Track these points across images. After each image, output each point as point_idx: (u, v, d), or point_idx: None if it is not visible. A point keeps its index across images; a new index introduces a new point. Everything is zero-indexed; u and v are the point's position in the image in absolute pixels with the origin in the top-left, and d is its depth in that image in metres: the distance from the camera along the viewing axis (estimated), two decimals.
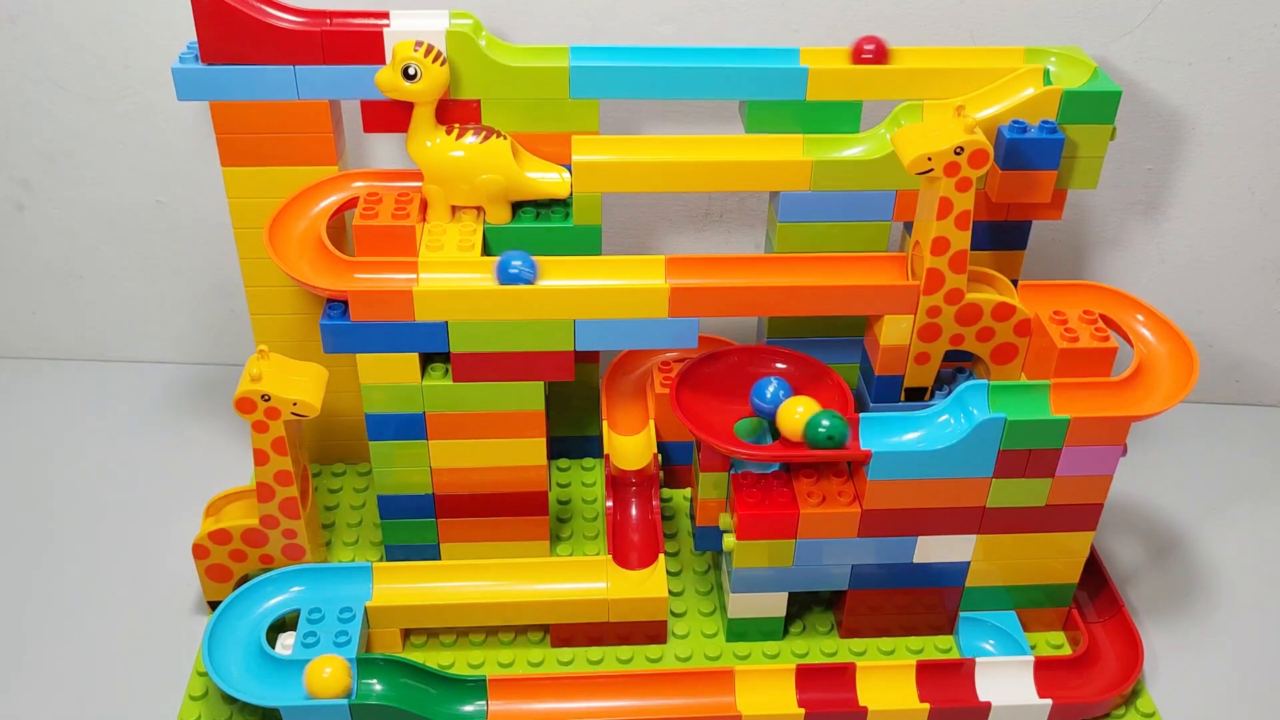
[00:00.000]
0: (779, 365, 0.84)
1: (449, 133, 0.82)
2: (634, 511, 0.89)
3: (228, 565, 0.85)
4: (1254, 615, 0.89)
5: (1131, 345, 0.81)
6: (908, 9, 0.92)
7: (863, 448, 0.76)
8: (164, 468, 1.00)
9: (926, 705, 0.78)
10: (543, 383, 0.81)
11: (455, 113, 0.84)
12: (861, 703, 0.78)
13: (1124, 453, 0.77)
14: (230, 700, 0.78)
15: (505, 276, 0.77)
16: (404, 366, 0.80)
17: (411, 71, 0.79)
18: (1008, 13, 0.92)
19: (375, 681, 0.77)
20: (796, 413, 0.76)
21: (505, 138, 0.83)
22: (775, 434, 0.82)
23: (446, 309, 0.77)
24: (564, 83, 0.83)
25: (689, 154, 0.84)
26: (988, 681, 0.79)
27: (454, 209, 0.84)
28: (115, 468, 1.00)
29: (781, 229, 0.86)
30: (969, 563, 0.81)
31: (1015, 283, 0.83)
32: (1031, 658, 0.80)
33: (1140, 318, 0.83)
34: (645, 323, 0.79)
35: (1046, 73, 0.85)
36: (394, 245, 0.79)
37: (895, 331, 0.81)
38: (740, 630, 0.84)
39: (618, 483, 0.90)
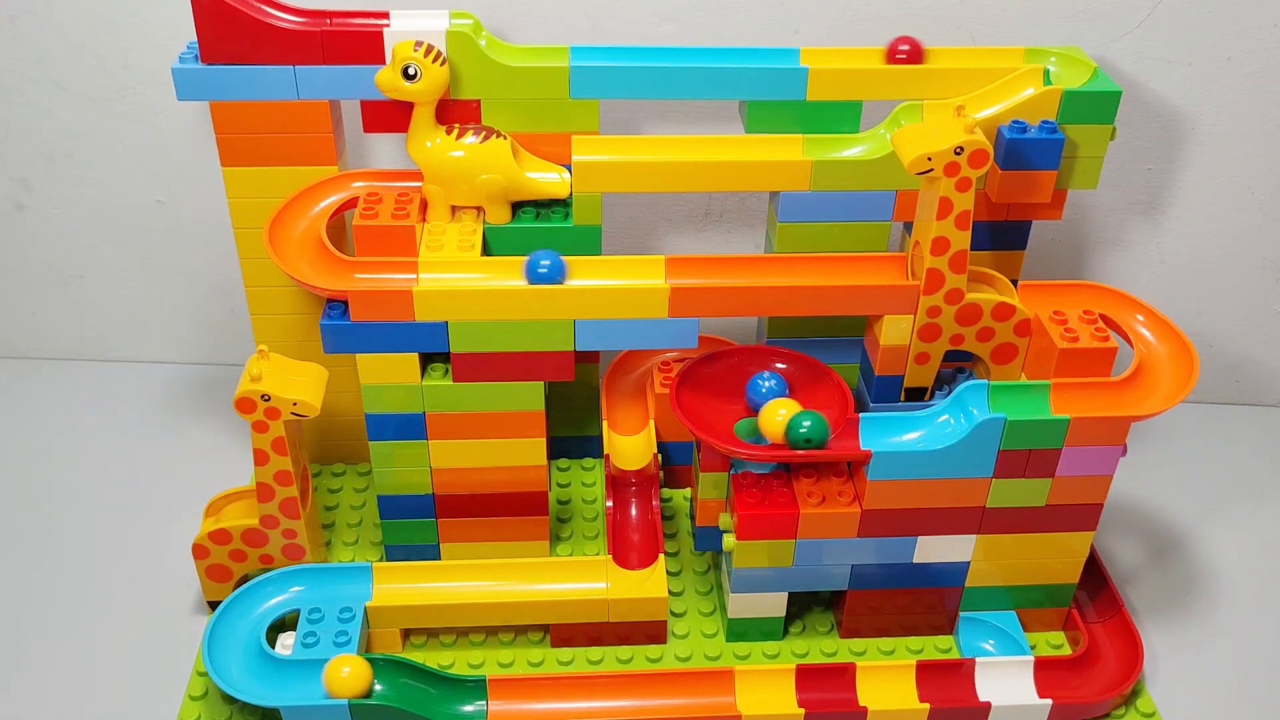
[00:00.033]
0: (779, 365, 0.84)
1: (449, 133, 0.82)
2: (634, 511, 0.89)
3: (228, 565, 0.85)
4: (1254, 615, 0.89)
5: (1131, 345, 0.81)
6: (908, 9, 0.92)
7: (863, 448, 0.76)
8: (164, 468, 1.00)
9: (926, 705, 0.78)
10: (543, 383, 0.81)
11: (455, 113, 0.84)
12: (861, 703, 0.78)
13: (1124, 453, 0.77)
14: (230, 700, 0.78)
15: (534, 276, 0.77)
16: (404, 366, 0.80)
17: (411, 71, 0.79)
18: (1008, 13, 0.92)
19: (375, 681, 0.77)
20: (778, 415, 0.76)
21: (505, 138, 0.83)
22: None
23: (446, 309, 0.77)
24: (564, 83, 0.83)
25: (689, 154, 0.84)
26: (988, 681, 0.79)
27: (454, 209, 0.84)
28: (115, 468, 1.00)
29: (781, 229, 0.86)
30: (969, 563, 0.81)
31: (1015, 283, 0.83)
32: (1031, 658, 0.80)
33: (1140, 318, 0.83)
34: (645, 323, 0.79)
35: (1046, 73, 0.85)
36: (394, 245, 0.79)
37: (895, 331, 0.81)
38: (740, 630, 0.84)
39: (618, 483, 0.90)
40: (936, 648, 0.85)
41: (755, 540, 0.79)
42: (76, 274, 1.07)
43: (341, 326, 0.78)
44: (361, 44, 0.81)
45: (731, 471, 0.81)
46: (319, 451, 0.99)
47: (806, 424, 0.75)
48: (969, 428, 0.75)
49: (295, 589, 0.82)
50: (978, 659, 0.80)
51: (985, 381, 0.76)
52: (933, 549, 0.80)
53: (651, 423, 0.94)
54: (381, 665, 0.77)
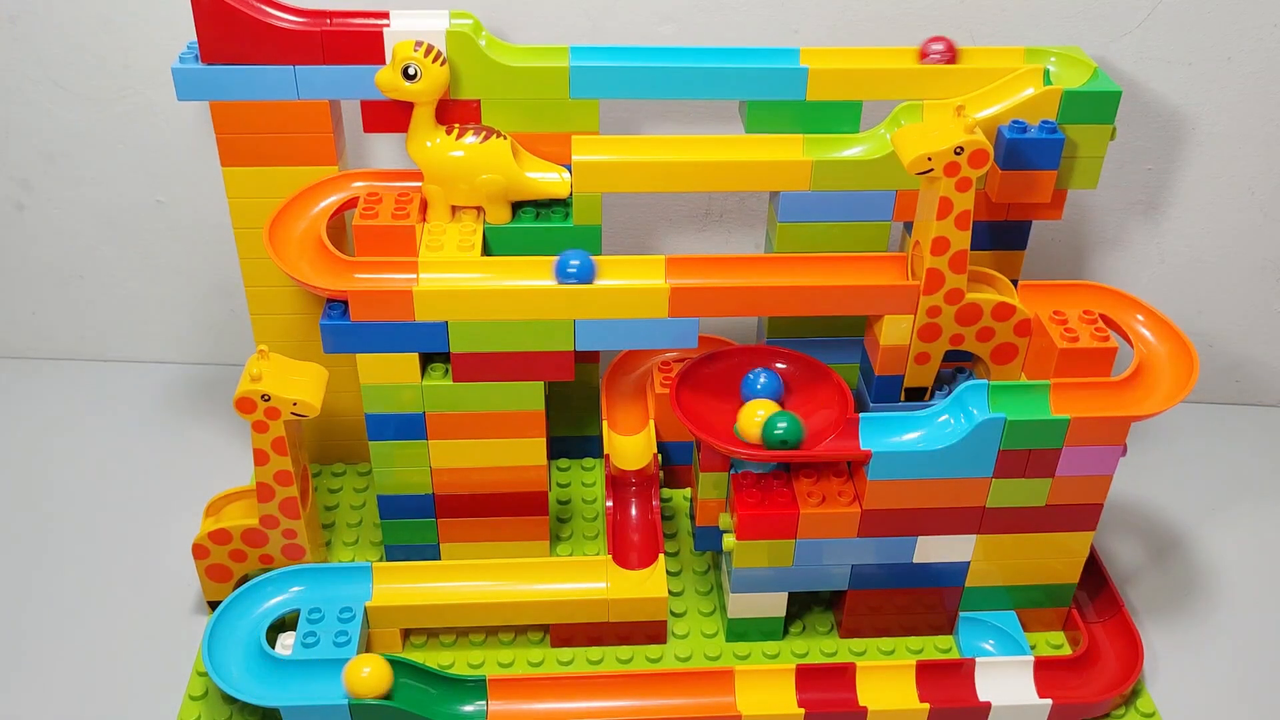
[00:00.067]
0: (779, 365, 0.84)
1: (449, 133, 0.82)
2: (634, 511, 0.89)
3: (228, 565, 0.85)
4: (1254, 615, 0.89)
5: (1131, 345, 0.81)
6: (908, 9, 0.92)
7: (863, 448, 0.76)
8: (164, 468, 1.00)
9: (926, 705, 0.78)
10: (543, 383, 0.81)
11: (455, 113, 0.84)
12: (861, 703, 0.78)
13: (1124, 453, 0.77)
14: (230, 700, 0.78)
15: (564, 276, 0.77)
16: (404, 366, 0.80)
17: (411, 71, 0.79)
18: (1008, 13, 0.92)
19: None
20: (756, 416, 0.76)
21: (505, 138, 0.83)
22: None
23: (446, 309, 0.77)
24: (564, 83, 0.83)
25: (689, 154, 0.84)
26: (988, 681, 0.79)
27: (454, 209, 0.84)
28: (115, 468, 1.00)
29: (781, 229, 0.86)
30: (969, 563, 0.81)
31: (1015, 283, 0.83)
32: (1031, 658, 0.80)
33: (1140, 318, 0.83)
34: (645, 323, 0.79)
35: (1046, 73, 0.85)
36: (394, 245, 0.79)
37: (895, 331, 0.81)
38: (740, 630, 0.84)
39: (618, 483, 0.90)
40: (936, 648, 0.85)
41: (755, 540, 0.79)
42: (76, 274, 1.07)
43: (341, 326, 0.78)
44: (361, 44, 0.81)
45: (731, 471, 0.81)
46: (319, 451, 0.99)
47: (782, 425, 0.75)
48: (969, 428, 0.75)
49: (295, 589, 0.82)
50: (978, 659, 0.80)
51: (985, 381, 0.76)
52: (933, 549, 0.80)
53: (651, 423, 0.94)
54: None
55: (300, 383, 0.79)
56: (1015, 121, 0.83)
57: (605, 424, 0.95)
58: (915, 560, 0.81)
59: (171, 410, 1.07)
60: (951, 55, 0.86)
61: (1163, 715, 0.81)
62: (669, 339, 0.80)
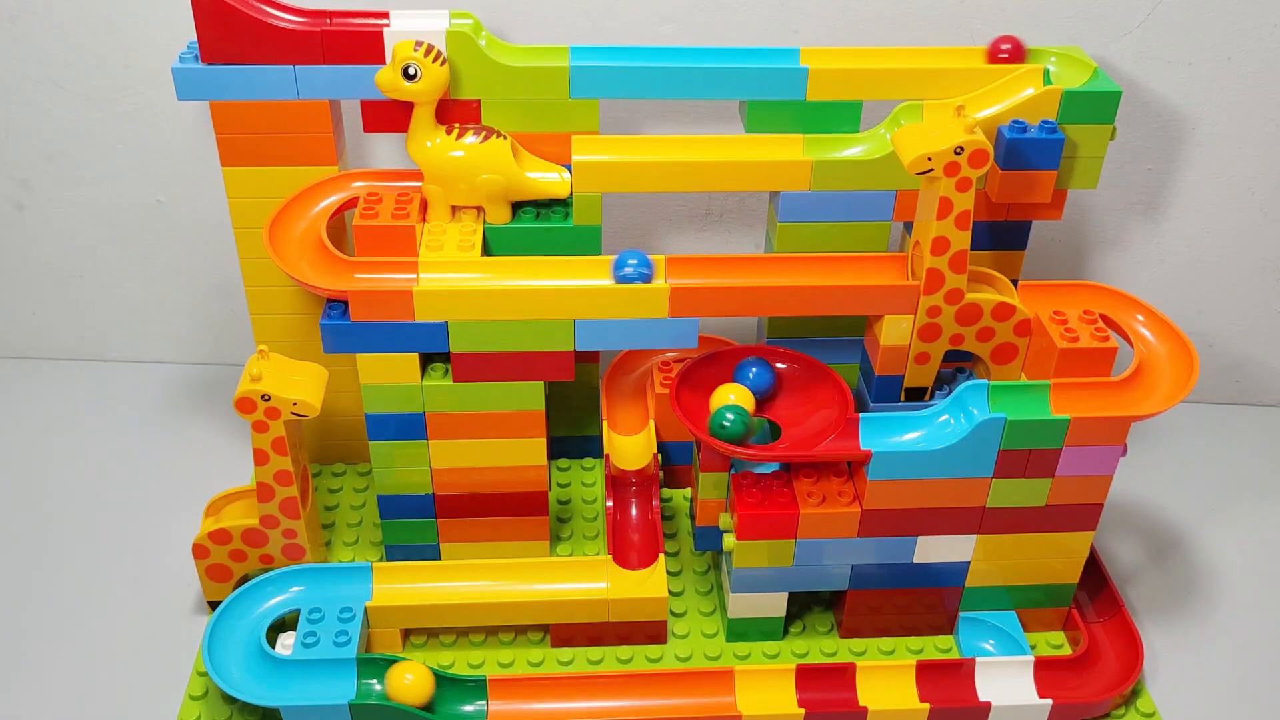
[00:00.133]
0: (779, 365, 0.84)
1: (449, 133, 0.82)
2: (634, 511, 0.89)
3: (228, 565, 0.85)
4: (1254, 615, 0.89)
5: (1131, 345, 0.80)
6: (908, 9, 0.92)
7: (863, 448, 0.76)
8: (164, 468, 1.00)
9: (926, 705, 0.78)
10: (543, 383, 0.81)
11: (455, 113, 0.84)
12: (861, 703, 0.78)
13: (1124, 453, 0.77)
14: (230, 700, 0.78)
15: (620, 277, 0.77)
16: (404, 366, 0.80)
17: (411, 71, 0.79)
18: (1008, 13, 0.92)
19: (375, 681, 0.77)
20: (731, 398, 0.77)
21: (505, 138, 0.83)
22: (776, 433, 0.82)
23: (446, 309, 0.77)
24: (564, 83, 0.83)
25: (689, 154, 0.84)
26: (988, 681, 0.79)
27: (454, 209, 0.84)
28: (115, 468, 1.00)
29: (781, 229, 0.86)
30: (969, 563, 0.81)
31: (1015, 283, 0.83)
32: (1031, 658, 0.80)
33: (1140, 318, 0.83)
34: (645, 323, 0.79)
35: (1046, 73, 0.85)
36: (394, 245, 0.79)
37: (895, 331, 0.81)
38: (740, 630, 0.84)
39: (618, 483, 0.90)
40: (936, 648, 0.85)
41: (755, 540, 0.79)
42: (76, 274, 1.07)
43: (341, 326, 0.78)
44: (361, 44, 0.81)
45: (731, 471, 0.81)
46: (319, 451, 0.99)
47: (730, 417, 0.75)
48: (969, 428, 0.75)
49: (295, 589, 0.82)
50: (978, 659, 0.80)
51: (985, 381, 0.76)
52: (933, 549, 0.80)
53: (651, 423, 0.94)
54: (381, 665, 0.77)
55: (300, 383, 0.79)
56: (1015, 121, 0.83)
57: (605, 424, 0.95)
58: (915, 560, 0.81)
59: (171, 410, 1.07)
60: (1020, 54, 0.85)
61: (1163, 715, 0.81)
62: (669, 339, 0.80)
